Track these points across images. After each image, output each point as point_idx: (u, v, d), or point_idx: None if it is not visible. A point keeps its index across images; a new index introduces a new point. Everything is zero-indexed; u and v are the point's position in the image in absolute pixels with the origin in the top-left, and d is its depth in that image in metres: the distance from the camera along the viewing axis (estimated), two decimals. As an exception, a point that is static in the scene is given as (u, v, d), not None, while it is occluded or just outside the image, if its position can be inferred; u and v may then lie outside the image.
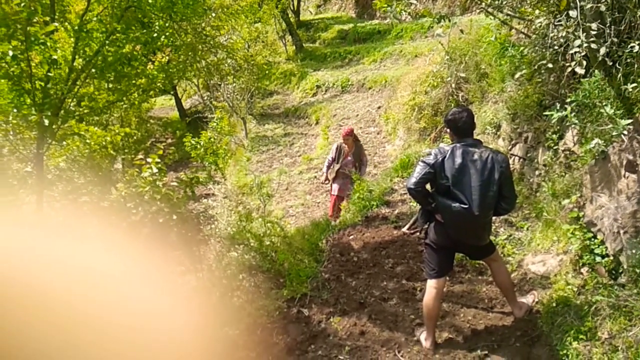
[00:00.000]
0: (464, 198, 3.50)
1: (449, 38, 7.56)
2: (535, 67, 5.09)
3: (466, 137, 3.71)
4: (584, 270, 3.96)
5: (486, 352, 3.69)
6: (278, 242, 5.87)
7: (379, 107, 12.03)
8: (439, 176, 3.60)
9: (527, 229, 5.00)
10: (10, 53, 4.17)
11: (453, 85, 8.01)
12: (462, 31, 7.00)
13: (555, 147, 4.94)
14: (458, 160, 3.58)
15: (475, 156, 3.58)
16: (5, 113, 4.91)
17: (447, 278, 4.10)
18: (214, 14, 8.46)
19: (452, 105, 8.20)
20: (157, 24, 6.83)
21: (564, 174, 4.73)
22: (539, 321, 3.89)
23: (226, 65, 10.11)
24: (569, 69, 4.20)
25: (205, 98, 16.22)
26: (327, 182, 7.65)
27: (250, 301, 4.69)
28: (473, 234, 3.64)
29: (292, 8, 19.38)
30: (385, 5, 5.93)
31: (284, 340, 4.10)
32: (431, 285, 3.77)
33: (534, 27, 5.05)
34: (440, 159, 3.63)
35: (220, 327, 4.12)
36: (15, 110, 4.70)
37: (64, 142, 5.35)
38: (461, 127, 3.71)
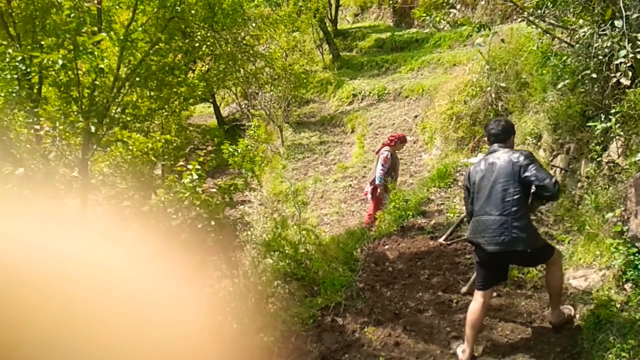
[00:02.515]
0: (483, 202, 3.51)
1: (489, 47, 7.47)
2: (579, 77, 4.98)
3: (492, 144, 3.81)
4: (628, 286, 3.83)
5: (524, 367, 3.61)
6: (313, 250, 5.89)
7: (415, 116, 11.95)
8: (470, 186, 3.68)
9: (569, 242, 4.87)
10: (60, 62, 4.33)
11: (492, 95, 7.90)
12: (502, 40, 6.92)
13: (598, 159, 4.81)
14: (481, 167, 3.70)
15: (492, 159, 3.63)
16: (53, 120, 5.12)
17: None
18: (253, 24, 8.61)
19: (491, 114, 8.08)
20: (198, 33, 7.01)
21: (607, 186, 4.60)
22: (580, 337, 3.78)
23: (264, 74, 10.25)
24: (614, 80, 4.11)
25: (243, 106, 16.46)
26: (381, 195, 7.05)
27: (285, 308, 4.72)
28: (499, 237, 3.54)
29: (329, 17, 19.49)
30: (424, 14, 5.92)
31: (318, 348, 4.11)
32: (476, 295, 3.80)
33: (577, 36, 4.95)
34: (470, 169, 3.69)
35: (256, 333, 4.16)
36: (62, 117, 4.89)
37: (108, 148, 5.52)
38: (488, 134, 3.90)
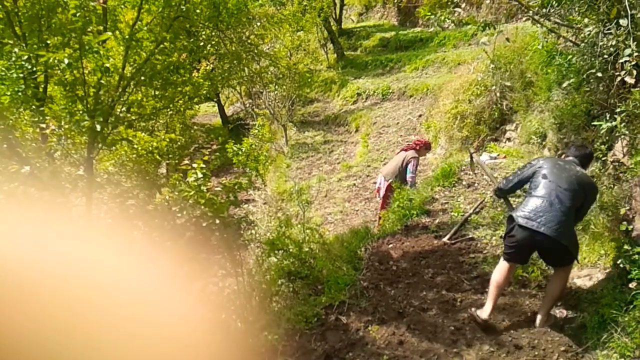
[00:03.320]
0: (554, 191, 4.01)
1: (494, 46, 7.46)
2: (584, 76, 4.97)
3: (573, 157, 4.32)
4: (632, 285, 3.82)
5: (528, 366, 3.61)
6: (317, 248, 5.90)
7: (420, 115, 11.95)
8: (540, 168, 4.21)
9: (573, 241, 4.86)
10: (66, 61, 4.35)
11: (497, 94, 7.89)
12: (507, 39, 6.90)
13: (603, 158, 4.80)
14: (560, 163, 4.27)
15: (574, 166, 4.18)
16: (58, 118, 5.14)
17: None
18: (258, 23, 8.62)
19: (496, 114, 8.08)
20: (203, 33, 7.01)
21: (612, 185, 4.59)
22: (584, 336, 3.78)
23: (269, 73, 10.26)
24: (619, 79, 4.09)
25: (247, 105, 16.49)
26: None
27: (289, 307, 4.73)
28: (556, 226, 3.82)
29: (334, 16, 19.49)
30: (429, 13, 5.91)
31: (322, 347, 4.11)
32: (503, 262, 4.09)
33: (582, 35, 4.93)
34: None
35: (260, 331, 4.17)
36: (68, 116, 4.90)
37: (113, 147, 5.53)
38: (575, 150, 4.39)
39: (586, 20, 4.77)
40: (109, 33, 4.93)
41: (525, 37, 7.81)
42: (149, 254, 4.79)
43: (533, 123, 6.70)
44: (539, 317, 3.99)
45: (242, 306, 4.60)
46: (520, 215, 3.92)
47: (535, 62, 6.98)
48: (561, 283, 3.99)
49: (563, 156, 4.66)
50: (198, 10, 6.19)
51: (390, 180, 7.10)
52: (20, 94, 5.06)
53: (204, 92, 7.23)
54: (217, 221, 4.37)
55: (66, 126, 4.93)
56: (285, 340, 4.17)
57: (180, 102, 6.78)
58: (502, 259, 4.11)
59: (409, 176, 6.99)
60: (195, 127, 16.34)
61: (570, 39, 5.56)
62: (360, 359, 3.93)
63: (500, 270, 4.02)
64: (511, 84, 7.61)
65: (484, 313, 3.99)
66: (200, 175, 4.28)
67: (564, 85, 5.42)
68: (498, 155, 7.21)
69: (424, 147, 7.29)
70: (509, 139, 7.88)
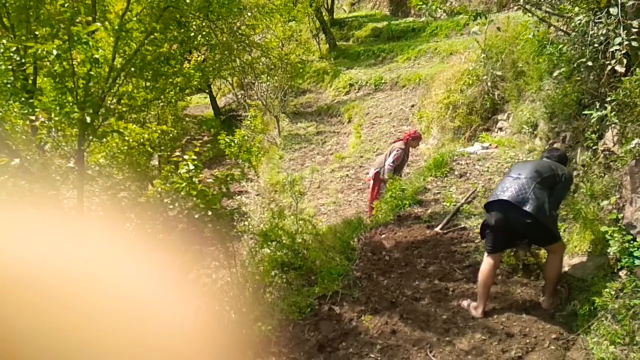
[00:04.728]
0: None
1: (485, 35, 7.45)
2: (575, 65, 4.98)
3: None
4: (622, 273, 3.86)
5: (520, 354, 3.64)
6: (310, 239, 5.91)
7: (412, 106, 11.95)
8: None
9: (564, 230, 4.89)
10: (55, 52, 4.30)
11: (489, 84, 7.89)
12: (499, 28, 6.90)
13: (594, 147, 4.82)
14: None
15: None
16: (48, 110, 5.09)
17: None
18: (249, 13, 8.56)
19: (488, 104, 8.09)
20: (193, 23, 6.97)
21: (603, 174, 4.61)
22: (575, 324, 3.82)
23: (260, 63, 10.21)
24: (609, 67, 4.11)
25: (240, 96, 16.41)
26: (382, 183, 7.16)
27: (283, 297, 4.75)
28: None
29: (325, 6, 19.39)
30: (421, 3, 5.89)
31: (316, 337, 4.14)
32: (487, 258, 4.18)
33: (573, 24, 4.94)
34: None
35: (254, 322, 4.18)
36: (58, 108, 4.86)
37: (104, 139, 5.50)
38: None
39: (577, 9, 4.77)
40: (98, 24, 4.89)
41: (517, 26, 7.81)
42: (141, 246, 4.79)
43: (524, 112, 6.71)
44: (542, 300, 4.14)
45: (236, 297, 4.61)
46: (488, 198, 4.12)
47: (526, 51, 6.98)
48: (554, 264, 4.06)
49: None
50: (188, 0, 6.14)
51: (377, 170, 7.14)
52: (9, 85, 5.02)
53: (195, 83, 7.20)
54: (210, 213, 4.36)
55: (56, 118, 4.90)
56: (278, 331, 4.19)
57: (172, 93, 6.75)
58: (485, 255, 4.18)
59: (387, 164, 7.03)
60: (187, 118, 16.26)
61: (561, 28, 5.56)
62: (354, 349, 3.96)
63: (484, 270, 4.10)
64: (503, 73, 7.61)
65: (477, 312, 4.10)
66: (192, 166, 4.27)
67: (555, 74, 5.43)
68: (490, 145, 7.24)
69: (412, 139, 7.30)
70: (500, 129, 7.90)
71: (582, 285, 4.15)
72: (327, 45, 18.10)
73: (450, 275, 4.77)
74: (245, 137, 11.48)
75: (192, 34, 6.79)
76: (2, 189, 4.20)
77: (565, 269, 4.41)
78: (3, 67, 4.97)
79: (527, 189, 3.91)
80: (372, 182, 7.29)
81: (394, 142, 7.45)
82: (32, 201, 4.01)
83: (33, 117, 4.66)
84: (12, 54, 4.87)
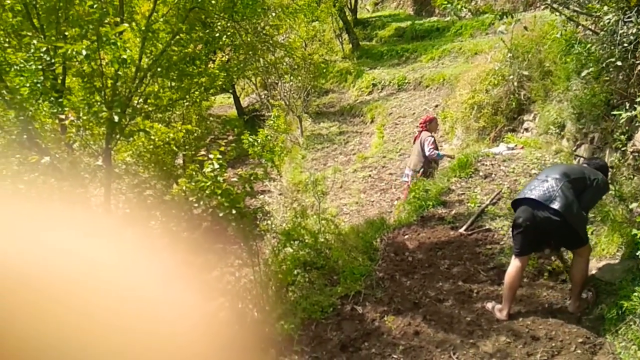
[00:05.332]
0: None
1: (512, 35, 7.35)
2: (603, 65, 4.89)
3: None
4: (653, 277, 3.78)
5: (546, 358, 3.59)
6: (332, 239, 5.91)
7: (436, 106, 11.85)
8: None
9: (592, 233, 4.80)
10: (84, 52, 4.38)
11: (515, 84, 7.78)
12: (526, 28, 6.80)
13: (623, 149, 4.72)
14: None
15: None
16: (77, 110, 5.20)
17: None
18: (273, 14, 8.59)
19: (514, 104, 7.98)
20: (218, 24, 7.02)
21: (632, 176, 4.52)
22: (602, 328, 3.75)
23: (284, 64, 10.24)
24: (639, 67, 4.02)
25: (263, 96, 16.48)
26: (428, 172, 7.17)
27: (305, 297, 4.76)
28: None
29: (349, 6, 19.35)
30: (445, 2, 5.85)
31: (338, 336, 4.13)
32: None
33: (602, 23, 4.85)
34: None
35: (277, 321, 4.20)
36: (86, 107, 4.96)
37: (131, 138, 5.58)
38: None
39: (606, 8, 4.69)
40: (126, 24, 4.95)
41: (544, 25, 7.69)
42: (165, 244, 4.85)
43: (551, 113, 6.61)
44: (569, 303, 4.07)
45: (259, 296, 4.63)
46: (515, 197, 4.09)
47: (553, 51, 6.87)
48: (580, 267, 3.98)
49: None
50: (213, 1, 6.19)
51: (415, 170, 7.09)
52: (39, 85, 5.13)
53: (220, 83, 7.25)
54: (234, 211, 4.39)
55: (84, 117, 4.99)
56: (301, 330, 4.20)
57: (196, 93, 6.81)
58: (513, 257, 4.12)
59: (427, 154, 6.99)
60: (211, 118, 16.39)
61: (590, 27, 5.46)
62: (376, 349, 3.94)
63: (511, 272, 4.04)
64: (529, 73, 7.50)
65: (502, 314, 4.06)
66: (216, 165, 4.30)
67: (583, 74, 5.34)
68: (515, 145, 7.14)
69: (429, 123, 7.27)
70: (526, 130, 7.78)
71: (610, 289, 4.07)
72: (350, 45, 18.06)
73: (475, 277, 4.72)
74: (269, 137, 11.51)
75: (217, 35, 6.84)
76: (32, 186, 4.30)
77: (593, 272, 4.33)
78: (33, 67, 5.08)
79: (555, 188, 3.85)
80: (410, 183, 7.23)
81: (416, 137, 7.37)
82: (61, 198, 4.09)
83: (62, 116, 4.75)
84: (42, 54, 4.97)
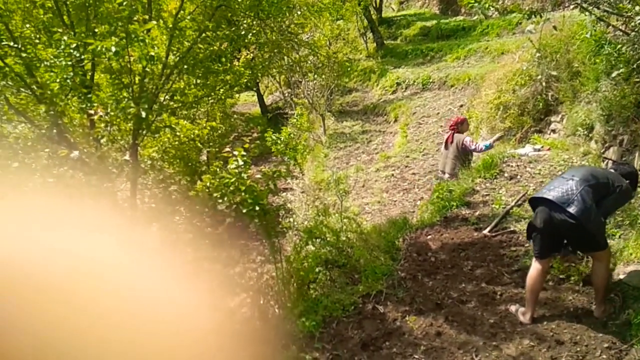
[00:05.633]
0: None
1: (540, 34, 7.23)
2: (634, 66, 4.80)
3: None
4: (683, 283, 3.68)
5: (570, 363, 3.53)
6: (354, 238, 5.91)
7: (461, 106, 11.74)
8: None
9: (620, 237, 4.71)
10: (113, 49, 4.45)
11: (543, 84, 7.66)
12: (555, 27, 6.69)
13: (654, 151, 4.62)
14: None
15: None
16: (105, 105, 5.29)
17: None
18: (298, 12, 8.60)
19: (541, 104, 7.86)
20: (244, 22, 7.06)
21: (662, 180, 4.40)
22: (629, 334, 3.67)
23: (308, 62, 10.25)
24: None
25: (286, 95, 16.54)
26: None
27: (326, 294, 4.76)
28: None
29: (374, 5, 19.29)
30: (473, 1, 5.79)
31: (359, 335, 4.13)
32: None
33: (633, 23, 4.75)
34: None
35: (298, 317, 4.22)
36: (114, 103, 5.04)
37: (157, 134, 5.66)
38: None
39: (637, 8, 4.59)
40: (154, 22, 5.02)
41: (573, 25, 7.55)
42: (190, 239, 4.91)
43: (580, 114, 6.49)
44: (594, 308, 4.00)
45: (281, 292, 4.66)
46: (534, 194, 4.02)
47: (582, 51, 6.74)
48: (600, 273, 3.90)
49: None
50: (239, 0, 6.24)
51: (455, 171, 7.01)
52: (68, 81, 5.23)
53: (245, 80, 7.29)
54: (257, 208, 4.42)
55: (112, 113, 5.07)
56: (322, 327, 4.20)
57: (222, 90, 6.86)
58: (533, 260, 4.06)
59: (480, 148, 6.93)
60: (235, 116, 16.52)
61: (620, 27, 5.35)
62: (397, 349, 3.93)
63: (532, 275, 3.98)
64: (557, 73, 7.37)
65: (526, 318, 4.01)
66: (241, 162, 4.34)
67: (613, 75, 5.23)
68: (542, 147, 7.02)
69: (462, 125, 7.17)
70: (553, 131, 7.66)
71: (638, 294, 3.98)
72: (375, 44, 18.00)
73: (498, 278, 4.66)
74: (292, 135, 11.55)
75: (243, 32, 6.88)
76: (60, 180, 4.38)
77: (620, 276, 4.24)
78: (63, 62, 5.18)
79: (575, 191, 3.77)
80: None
81: (447, 140, 7.22)
82: (89, 192, 4.17)
83: (91, 111, 4.84)
84: (72, 51, 5.06)
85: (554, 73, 7.35)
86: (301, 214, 8.56)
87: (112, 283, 0.72)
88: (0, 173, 4.03)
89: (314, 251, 5.54)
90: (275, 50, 7.72)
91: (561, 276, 4.49)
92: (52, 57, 5.39)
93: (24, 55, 5.27)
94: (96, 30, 5.52)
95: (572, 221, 3.70)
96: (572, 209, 3.69)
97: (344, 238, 5.69)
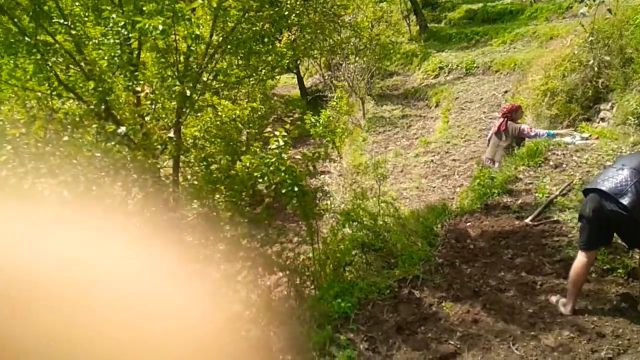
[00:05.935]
0: None
1: (593, 18, 6.95)
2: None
3: None
4: None
5: (610, 355, 3.44)
6: (391, 222, 5.88)
7: (505, 92, 11.45)
8: None
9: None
10: (160, 27, 4.51)
11: (595, 69, 7.37)
12: (609, 10, 6.41)
13: None
14: None
15: None
16: (150, 84, 5.39)
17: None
18: (341, -7, 8.51)
19: (590, 92, 7.59)
20: (287, 2, 7.03)
21: None
22: (677, 330, 3.54)
23: (350, 44, 10.17)
24: None
25: (326, 77, 16.49)
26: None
27: (362, 277, 4.78)
28: None
29: (418, -13, 18.92)
30: (523, -17, 5.59)
31: (394, 318, 4.13)
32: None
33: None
34: None
35: (333, 298, 4.25)
36: (160, 81, 5.13)
37: (199, 113, 5.74)
38: None
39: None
40: (199, 1, 5.05)
41: (627, 10, 7.22)
42: (230, 217, 4.99)
43: (631, 103, 6.24)
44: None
45: (317, 273, 4.70)
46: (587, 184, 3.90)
47: (636, 37, 6.45)
48: None
49: None
50: (284, -21, 6.21)
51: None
52: (116, 59, 5.34)
53: (286, 61, 7.28)
54: (296, 189, 4.45)
55: (157, 91, 5.17)
56: (357, 309, 4.22)
57: (264, 71, 6.88)
58: (579, 251, 3.94)
59: (541, 134, 6.74)
60: (274, 97, 16.60)
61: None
62: (432, 334, 3.91)
63: (576, 267, 3.87)
64: (609, 60, 7.08)
65: (567, 309, 3.92)
66: (281, 142, 4.36)
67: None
68: (590, 135, 6.78)
69: (516, 112, 6.95)
70: (602, 119, 7.39)
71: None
72: (418, 27, 17.70)
73: (539, 268, 4.56)
74: (330, 118, 11.52)
75: (286, 13, 6.85)
76: (107, 155, 4.51)
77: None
78: (111, 40, 5.29)
79: (628, 182, 3.63)
80: None
81: (499, 130, 7.03)
82: (134, 167, 4.28)
83: (138, 89, 4.94)
84: (119, 29, 5.16)
85: (607, 58, 7.07)
86: (338, 197, 8.58)
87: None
88: (51, 146, 4.18)
89: (350, 234, 5.55)
90: (318, 32, 7.67)
91: (605, 267, 4.36)
92: (100, 35, 5.50)
93: (73, 32, 5.40)
94: (144, 8, 5.61)
95: (623, 212, 3.57)
96: (624, 200, 3.56)
97: (381, 222, 5.68)
